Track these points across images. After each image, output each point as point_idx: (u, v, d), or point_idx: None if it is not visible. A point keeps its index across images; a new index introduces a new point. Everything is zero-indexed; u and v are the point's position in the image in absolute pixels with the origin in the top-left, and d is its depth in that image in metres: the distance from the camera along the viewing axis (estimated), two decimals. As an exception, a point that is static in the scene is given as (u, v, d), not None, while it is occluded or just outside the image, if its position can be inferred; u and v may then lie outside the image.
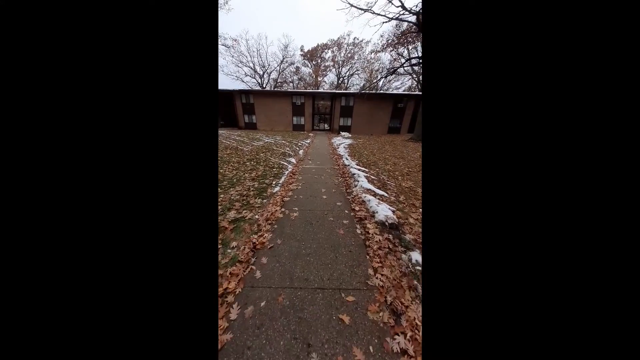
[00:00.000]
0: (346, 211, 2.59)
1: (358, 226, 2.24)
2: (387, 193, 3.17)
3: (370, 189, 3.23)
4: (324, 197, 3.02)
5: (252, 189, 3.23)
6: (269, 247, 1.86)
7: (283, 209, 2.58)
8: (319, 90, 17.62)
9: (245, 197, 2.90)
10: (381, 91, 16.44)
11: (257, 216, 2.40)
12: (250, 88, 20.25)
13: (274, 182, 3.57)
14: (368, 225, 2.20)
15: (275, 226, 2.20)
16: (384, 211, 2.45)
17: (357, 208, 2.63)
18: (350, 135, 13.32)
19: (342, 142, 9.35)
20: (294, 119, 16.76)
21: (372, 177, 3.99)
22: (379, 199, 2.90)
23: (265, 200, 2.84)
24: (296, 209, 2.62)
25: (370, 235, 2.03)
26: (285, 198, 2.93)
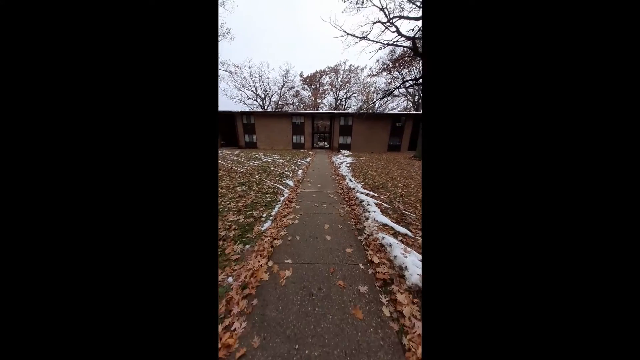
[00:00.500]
0: (361, 266, 1.80)
1: (383, 299, 1.43)
2: (410, 231, 2.39)
3: (386, 225, 2.47)
4: (328, 237, 2.25)
5: (234, 226, 2.46)
6: (238, 355, 1.04)
7: (270, 263, 1.79)
8: (318, 111, 17.83)
9: (221, 242, 2.12)
10: (378, 112, 16.59)
11: (230, 279, 1.60)
12: (251, 109, 20.64)
13: (264, 215, 2.82)
14: (399, 298, 1.40)
15: (255, 301, 1.39)
16: (416, 266, 1.67)
17: (375, 259, 1.84)
18: (350, 153, 12.92)
19: (343, 161, 8.81)
20: (294, 137, 16.64)
21: (385, 204, 3.25)
22: (401, 240, 2.13)
23: (248, 246, 2.06)
24: (289, 261, 1.83)
25: (408, 323, 1.22)
26: (276, 240, 2.15)
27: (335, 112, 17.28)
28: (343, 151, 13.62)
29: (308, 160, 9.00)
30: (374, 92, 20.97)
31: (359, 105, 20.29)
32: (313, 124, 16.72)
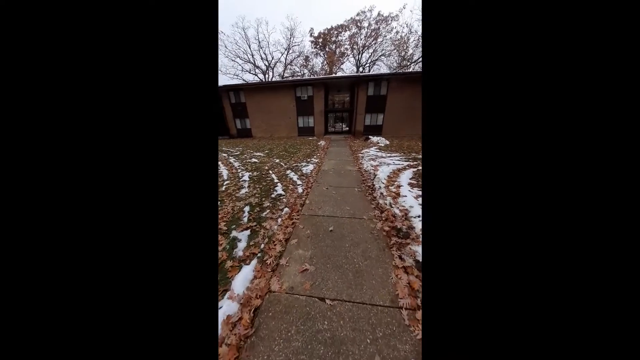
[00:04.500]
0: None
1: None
2: None
3: None
4: None
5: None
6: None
7: None
8: (333, 75, 11.54)
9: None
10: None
11: None
12: (244, 81, 15.11)
13: None
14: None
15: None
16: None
17: None
18: (388, 143, 7.22)
19: (394, 166, 3.44)
20: (299, 120, 11.25)
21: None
22: None
23: None
24: None
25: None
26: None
27: (361, 74, 11.03)
28: (376, 139, 7.87)
29: (310, 168, 3.85)
30: (415, 45, 13.48)
31: (389, 71, 13.33)
32: (326, 97, 10.97)
